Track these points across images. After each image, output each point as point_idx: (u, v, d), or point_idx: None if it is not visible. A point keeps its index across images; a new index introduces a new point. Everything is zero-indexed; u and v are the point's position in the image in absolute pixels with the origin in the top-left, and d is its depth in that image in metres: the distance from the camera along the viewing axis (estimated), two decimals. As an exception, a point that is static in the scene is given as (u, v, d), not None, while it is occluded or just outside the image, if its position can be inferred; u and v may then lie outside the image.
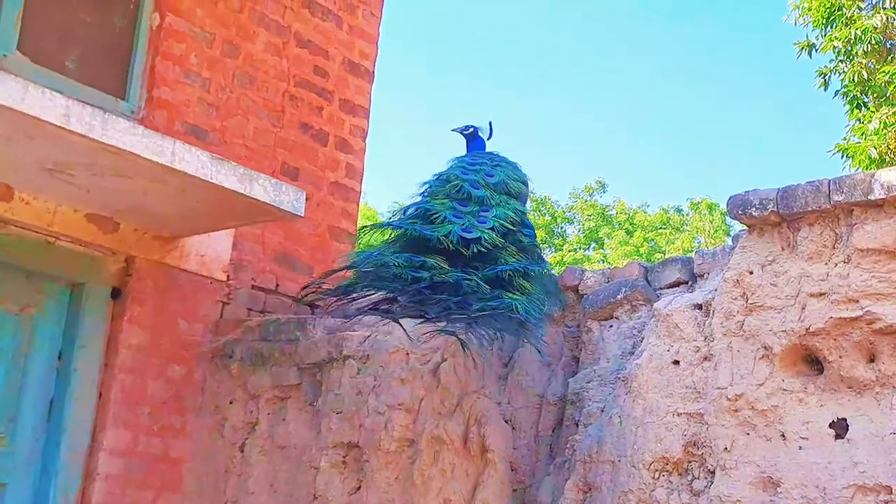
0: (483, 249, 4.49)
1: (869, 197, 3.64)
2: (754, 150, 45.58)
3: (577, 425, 4.46)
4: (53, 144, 4.32)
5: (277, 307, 5.91)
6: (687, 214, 30.27)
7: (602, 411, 4.36)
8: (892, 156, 14.17)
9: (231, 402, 5.44)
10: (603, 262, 26.01)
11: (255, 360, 5.40)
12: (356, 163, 6.48)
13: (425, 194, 4.87)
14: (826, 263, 3.79)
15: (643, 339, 4.42)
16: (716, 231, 27.86)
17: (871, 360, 3.63)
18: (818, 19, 14.86)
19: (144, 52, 5.61)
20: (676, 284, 4.60)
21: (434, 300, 4.33)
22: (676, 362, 4.13)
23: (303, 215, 4.96)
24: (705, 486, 3.90)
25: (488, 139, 5.37)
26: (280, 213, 4.89)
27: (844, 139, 14.83)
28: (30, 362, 5.09)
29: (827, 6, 14.65)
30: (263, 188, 4.77)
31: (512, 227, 4.71)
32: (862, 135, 14.34)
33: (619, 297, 4.62)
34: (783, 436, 3.75)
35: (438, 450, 4.64)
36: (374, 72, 6.75)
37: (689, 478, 3.98)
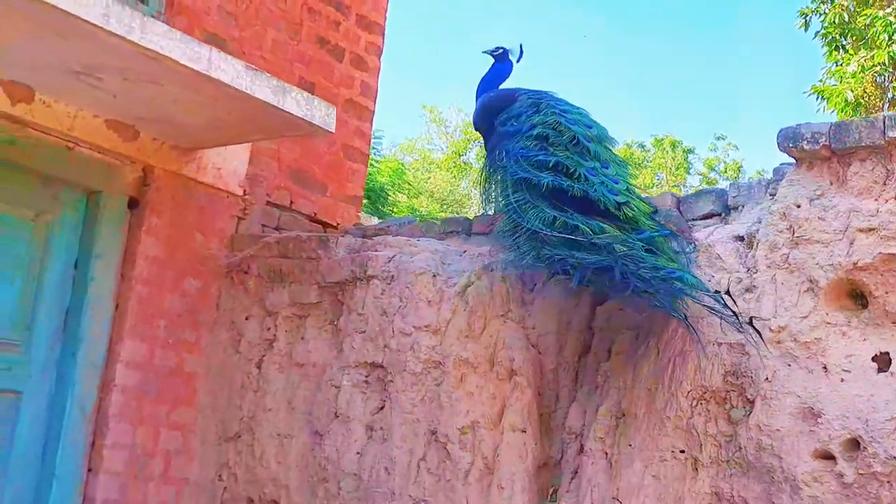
0: (630, 214, 4.17)
1: (927, 133, 3.63)
2: (723, 90, 45.77)
3: (609, 353, 4.46)
4: (87, 45, 4.16)
5: (291, 224, 5.82)
6: (650, 151, 30.40)
7: (637, 339, 4.37)
8: (868, 99, 14.30)
9: (247, 319, 5.38)
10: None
11: (272, 276, 5.33)
12: (371, 81, 6.35)
13: (541, 139, 4.45)
14: (876, 199, 3.78)
15: (679, 268, 4.40)
16: (678, 168, 28.05)
17: (918, 296, 3.65)
18: (802, -41, 14.86)
19: (165, -45, 5.43)
20: (710, 216, 4.58)
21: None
22: (717, 293, 4.13)
23: (333, 131, 4.87)
24: (744, 416, 3.93)
25: (517, 61, 5.26)
26: (311, 127, 4.79)
27: (821, 81, 14.92)
28: (45, 270, 4.98)
29: (810, -54, 14.67)
30: (297, 102, 4.66)
31: (632, 186, 4.45)
32: (839, 78, 14.42)
33: (652, 224, 4.55)
34: (825, 368, 3.77)
35: (465, 372, 4.63)
36: (389, -13, 6.60)
37: (728, 406, 4.00)
